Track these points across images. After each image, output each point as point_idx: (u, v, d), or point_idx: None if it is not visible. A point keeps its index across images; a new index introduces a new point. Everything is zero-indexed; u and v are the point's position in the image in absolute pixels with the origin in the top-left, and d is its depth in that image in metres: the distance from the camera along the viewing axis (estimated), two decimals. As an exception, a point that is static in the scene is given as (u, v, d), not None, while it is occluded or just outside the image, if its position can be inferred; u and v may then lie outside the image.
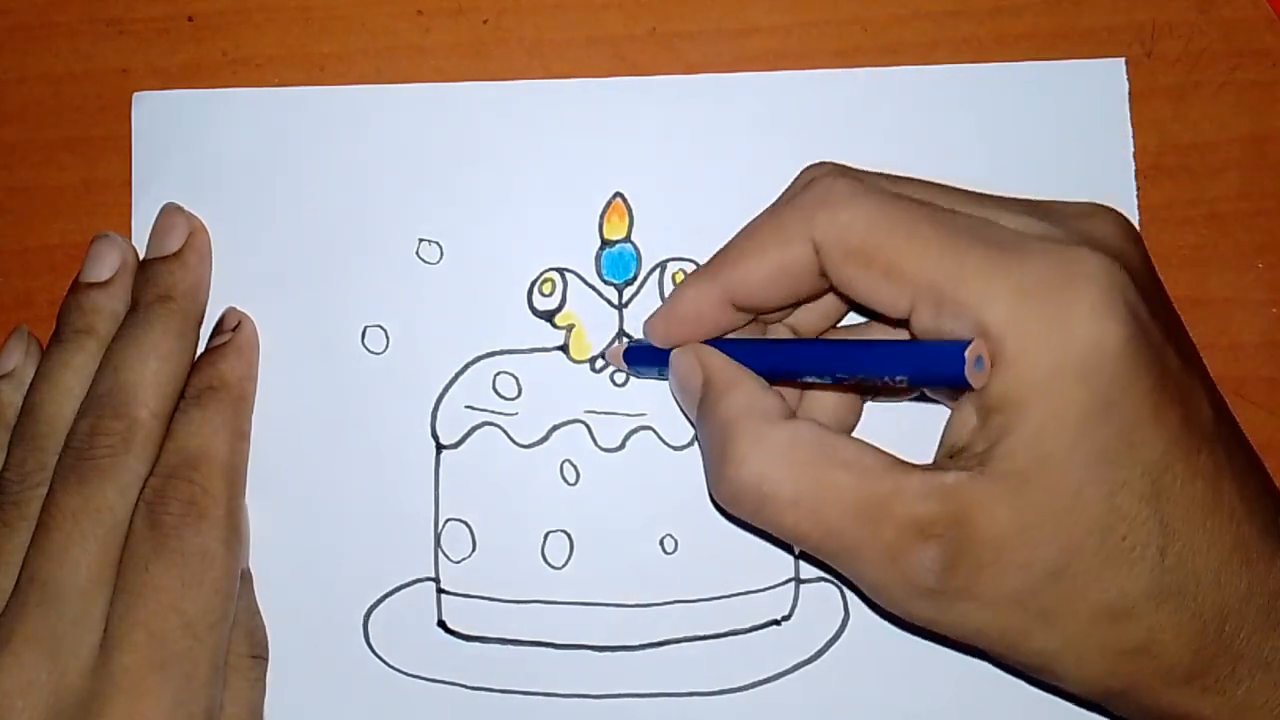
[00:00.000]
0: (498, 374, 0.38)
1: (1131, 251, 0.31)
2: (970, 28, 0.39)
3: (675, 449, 0.38)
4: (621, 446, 0.38)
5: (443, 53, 0.39)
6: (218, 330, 0.38)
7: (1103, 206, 0.32)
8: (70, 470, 0.34)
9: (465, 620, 0.38)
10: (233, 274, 0.38)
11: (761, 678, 0.37)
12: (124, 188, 0.39)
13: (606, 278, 0.38)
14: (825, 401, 0.35)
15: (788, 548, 0.37)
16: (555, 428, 0.38)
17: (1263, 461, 0.31)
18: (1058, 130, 0.38)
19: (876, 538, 0.29)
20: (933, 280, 0.29)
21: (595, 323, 0.38)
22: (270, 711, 0.37)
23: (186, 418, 0.35)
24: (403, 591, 0.38)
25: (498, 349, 0.38)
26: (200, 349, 0.37)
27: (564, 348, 0.38)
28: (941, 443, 0.31)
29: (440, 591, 0.38)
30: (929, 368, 0.29)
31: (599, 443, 0.38)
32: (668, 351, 0.35)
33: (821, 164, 0.34)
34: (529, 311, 0.38)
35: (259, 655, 0.37)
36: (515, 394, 0.38)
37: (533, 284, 0.38)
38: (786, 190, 0.34)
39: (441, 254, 0.38)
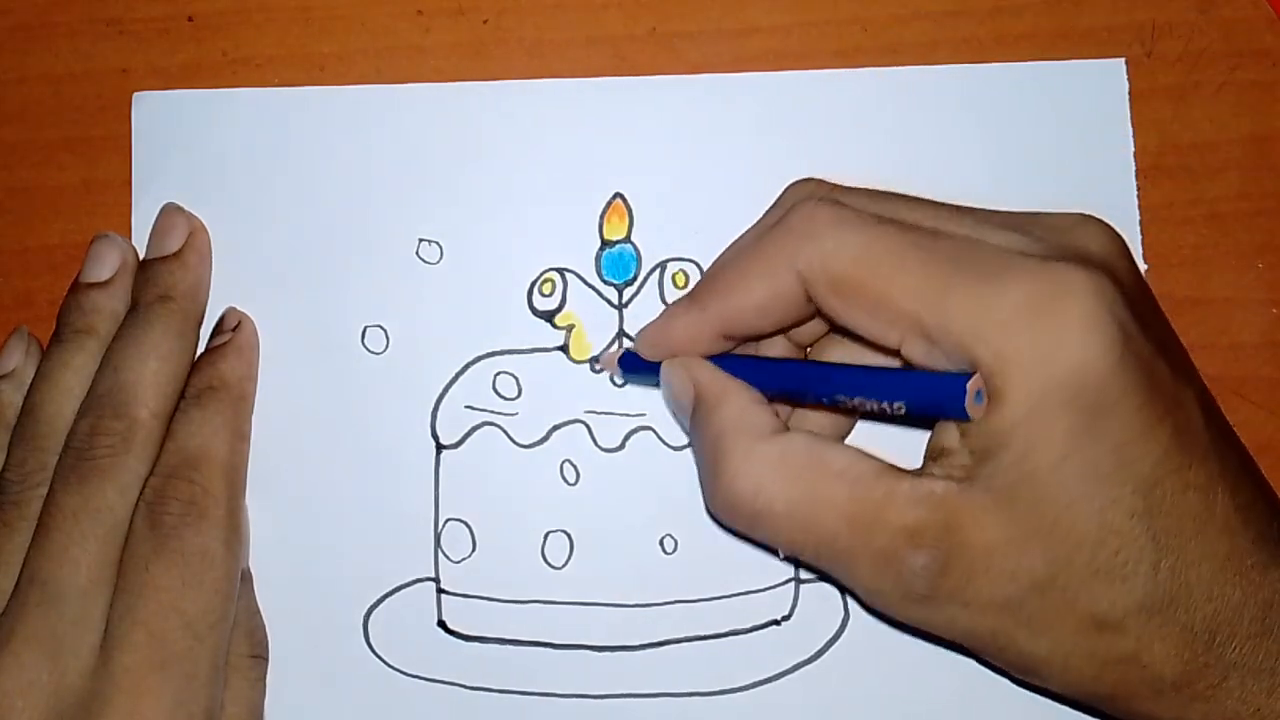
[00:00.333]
0: (498, 374, 0.38)
1: (1119, 263, 0.30)
2: (970, 28, 0.39)
3: (675, 449, 0.38)
4: (621, 446, 0.38)
5: (443, 53, 0.39)
6: (218, 330, 0.38)
7: (1090, 218, 0.31)
8: (70, 470, 0.34)
9: (465, 620, 0.38)
10: (233, 274, 0.38)
11: (761, 678, 0.37)
12: (124, 188, 0.39)
13: (606, 278, 0.38)
14: (820, 413, 0.35)
15: (778, 559, 0.37)
16: (555, 428, 0.38)
17: (1259, 467, 0.31)
18: (1058, 130, 0.38)
19: (869, 545, 0.30)
20: (920, 317, 0.29)
21: (595, 323, 0.38)
22: (270, 711, 0.37)
23: (186, 418, 0.35)
24: (403, 591, 0.38)
25: (498, 349, 0.38)
26: (200, 349, 0.37)
27: (564, 348, 0.38)
28: (928, 444, 0.31)
29: (440, 591, 0.38)
30: (929, 399, 0.29)
31: (599, 443, 0.38)
32: (657, 367, 0.35)
33: (805, 183, 0.34)
34: (529, 311, 0.38)
35: (259, 655, 0.37)
36: (515, 394, 0.38)
37: (533, 284, 0.38)
38: (771, 209, 0.34)
39: (441, 254, 0.38)
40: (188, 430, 0.35)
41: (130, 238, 0.38)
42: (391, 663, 0.37)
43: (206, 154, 0.39)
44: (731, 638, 0.37)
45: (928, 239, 0.30)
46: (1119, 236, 0.31)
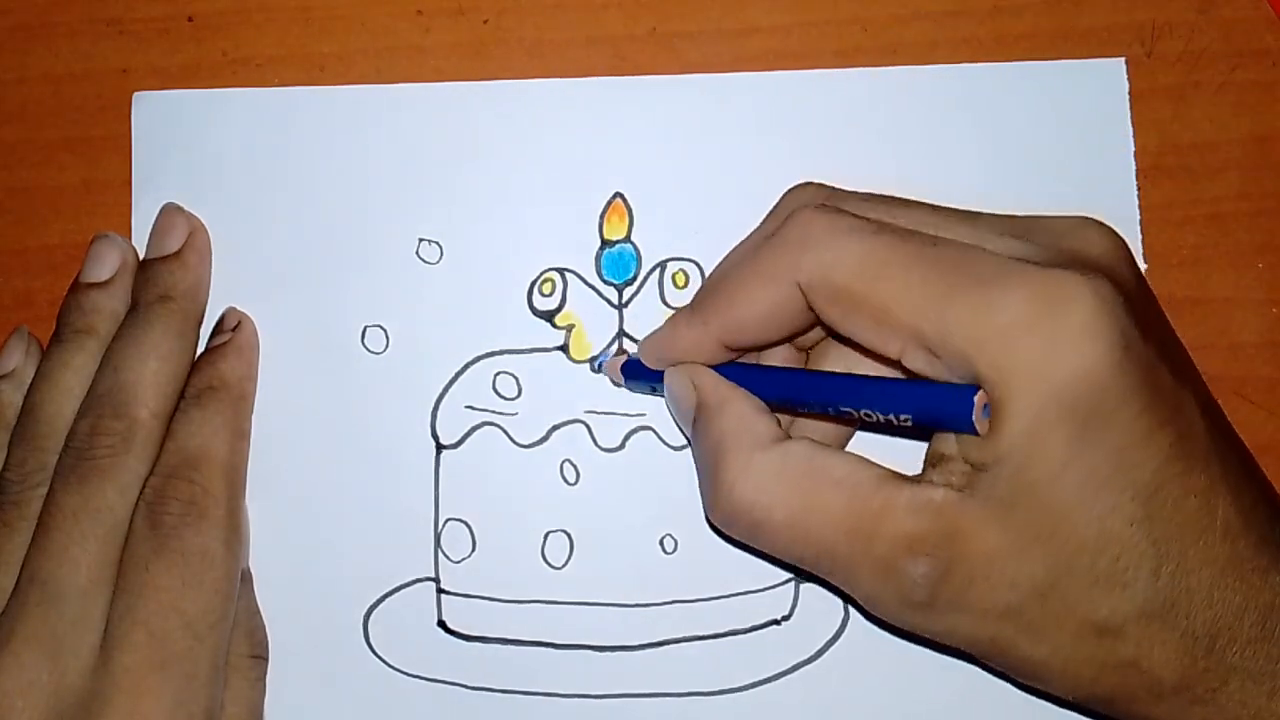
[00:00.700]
0: (498, 374, 0.38)
1: (1120, 267, 0.30)
2: (970, 28, 0.39)
3: (675, 449, 0.38)
4: (621, 446, 0.38)
5: (443, 53, 0.39)
6: (218, 330, 0.38)
7: (1091, 220, 0.31)
8: (70, 470, 0.34)
9: (465, 620, 0.38)
10: (233, 274, 0.38)
11: (761, 678, 0.37)
12: (124, 188, 0.39)
13: (606, 278, 0.38)
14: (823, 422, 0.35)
15: (779, 567, 0.37)
16: (555, 428, 0.38)
17: (1261, 469, 0.31)
18: (1058, 130, 0.38)
19: (868, 553, 0.30)
20: (921, 329, 0.29)
21: (595, 323, 0.38)
22: (270, 711, 0.37)
23: (186, 418, 0.35)
24: (403, 591, 0.38)
25: (498, 349, 0.38)
26: (200, 349, 0.37)
27: (564, 348, 0.38)
28: (928, 451, 0.31)
29: (440, 591, 0.38)
30: (936, 412, 0.29)
31: (599, 443, 0.38)
32: (660, 374, 0.35)
33: (803, 188, 0.34)
34: (529, 311, 0.38)
35: (259, 655, 0.37)
36: (515, 394, 0.38)
37: (533, 284, 0.38)
38: (769, 216, 0.34)
39: (441, 254, 0.38)
40: (188, 430, 0.35)
41: (130, 238, 0.38)
42: (391, 663, 0.37)
43: (206, 154, 0.39)
44: (731, 638, 0.37)
45: (927, 247, 0.30)
46: (1120, 239, 0.31)
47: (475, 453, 0.38)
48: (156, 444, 0.35)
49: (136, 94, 0.39)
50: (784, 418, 0.35)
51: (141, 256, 0.38)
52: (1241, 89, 0.39)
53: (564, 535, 0.38)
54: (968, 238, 0.31)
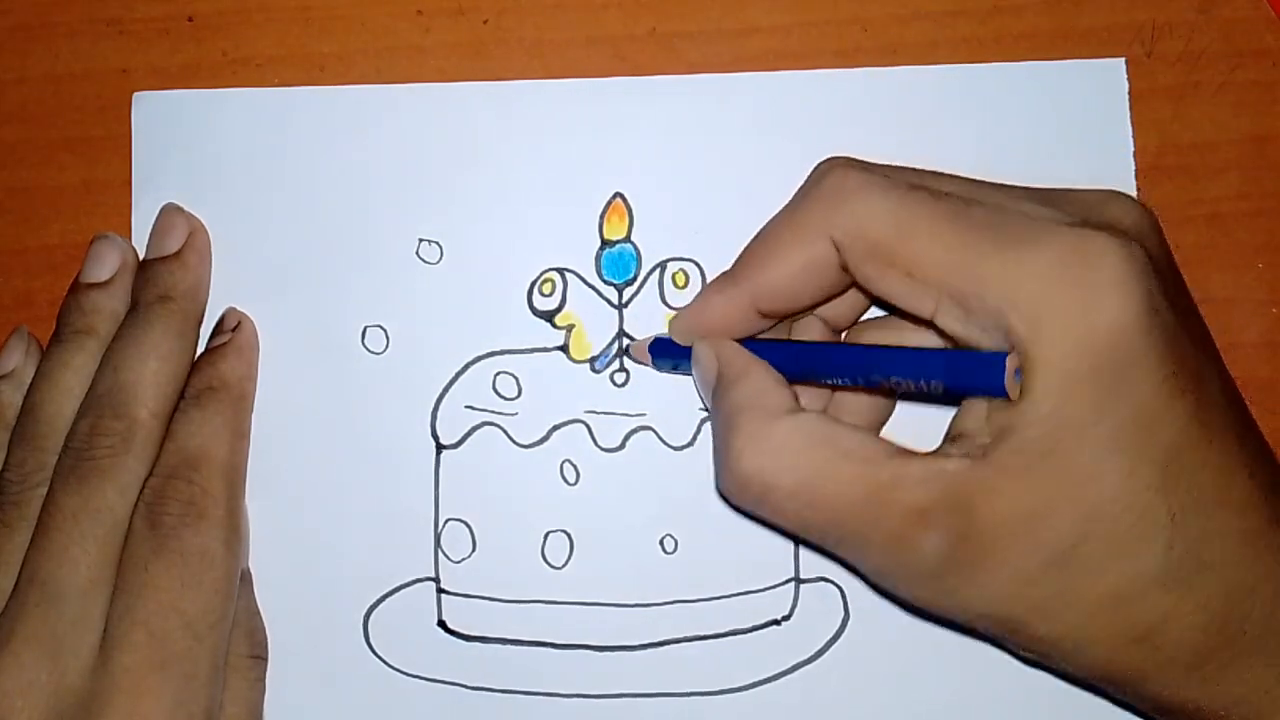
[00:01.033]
0: (498, 374, 0.38)
1: (1150, 236, 0.30)
2: (970, 28, 0.39)
3: (675, 449, 0.38)
4: (621, 446, 0.38)
5: (443, 53, 0.39)
6: (218, 330, 0.38)
7: (1121, 194, 0.32)
8: (70, 470, 0.34)
9: (465, 620, 0.38)
10: (233, 274, 0.38)
11: (761, 678, 0.37)
12: (124, 188, 0.39)
13: (606, 278, 0.38)
14: (859, 397, 0.35)
15: (789, 541, 0.37)
16: (555, 428, 0.38)
17: (1275, 452, 0.31)
18: (1058, 130, 0.38)
19: (878, 526, 0.29)
20: (954, 284, 0.29)
21: (595, 323, 0.38)
22: (270, 711, 0.37)
23: (186, 418, 0.35)
24: (403, 591, 0.38)
25: (498, 349, 0.38)
26: (200, 349, 0.37)
27: (564, 348, 0.38)
28: (949, 427, 0.31)
29: (440, 591, 0.38)
30: (968, 378, 0.29)
31: (599, 443, 0.38)
32: (687, 351, 0.35)
33: (833, 159, 0.34)
34: (529, 311, 0.38)
35: (259, 655, 0.37)
36: (515, 394, 0.38)
37: (533, 284, 0.38)
38: (800, 188, 0.34)
39: (441, 254, 0.38)
40: (187, 430, 0.35)
41: (130, 238, 0.38)
42: (391, 663, 0.37)
43: (206, 154, 0.39)
44: (731, 638, 0.37)
45: (960, 205, 0.30)
46: (1149, 212, 0.31)
47: (475, 453, 0.38)
48: (156, 444, 0.35)
49: (136, 94, 0.39)
50: (820, 399, 0.35)
51: (141, 256, 0.38)
52: (1241, 89, 0.39)
53: (564, 535, 0.38)
54: (1000, 202, 0.31)
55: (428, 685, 0.37)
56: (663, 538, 0.38)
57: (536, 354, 0.38)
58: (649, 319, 0.38)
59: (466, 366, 0.38)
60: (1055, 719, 0.37)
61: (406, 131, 0.39)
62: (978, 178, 0.33)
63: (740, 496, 0.31)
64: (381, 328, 0.38)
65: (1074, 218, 0.30)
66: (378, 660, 0.37)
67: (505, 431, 0.38)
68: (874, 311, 0.36)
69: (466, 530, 0.38)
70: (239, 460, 0.36)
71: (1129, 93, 0.38)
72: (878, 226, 0.30)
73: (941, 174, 0.33)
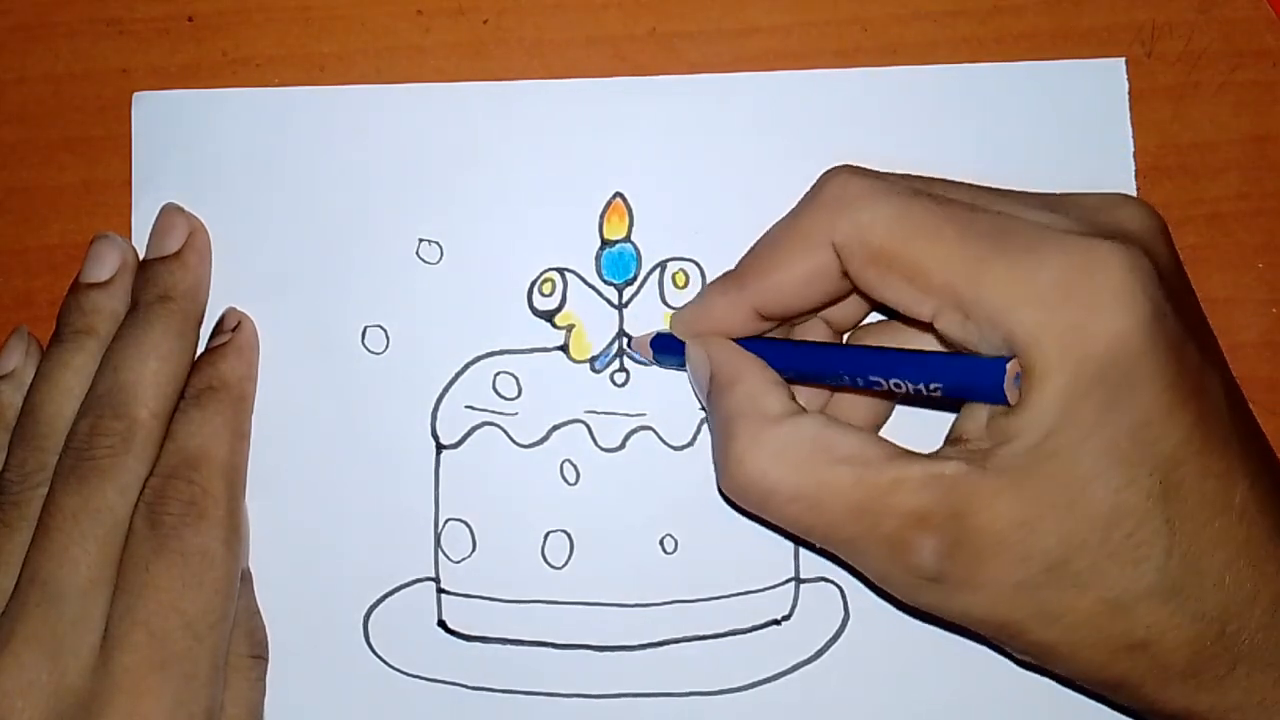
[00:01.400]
0: (498, 374, 0.38)
1: (1156, 242, 0.30)
2: (970, 28, 0.39)
3: (675, 449, 0.38)
4: (621, 446, 0.38)
5: (443, 53, 0.39)
6: (218, 330, 0.38)
7: (1128, 197, 0.32)
8: (70, 470, 0.34)
9: (465, 620, 0.38)
10: (233, 274, 0.38)
11: (761, 678, 0.37)
12: (124, 188, 0.39)
13: (606, 278, 0.38)
14: (858, 397, 0.35)
15: (790, 541, 0.37)
16: (555, 428, 0.38)
17: (1278, 459, 0.31)
18: (1058, 130, 0.38)
19: (877, 530, 0.30)
20: (956, 290, 0.29)
21: (595, 323, 0.38)
22: (270, 711, 0.37)
23: (186, 418, 0.35)
24: (403, 591, 0.38)
25: (498, 349, 0.38)
26: (200, 349, 0.37)
27: (564, 348, 0.38)
28: (950, 429, 0.31)
29: (440, 591, 0.38)
30: (968, 383, 0.29)
31: (599, 443, 0.38)
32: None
33: (838, 167, 0.34)
34: (529, 311, 0.38)
35: (259, 655, 0.37)
36: (515, 394, 0.38)
37: (533, 284, 0.38)
38: (804, 196, 0.34)
39: (441, 254, 0.38)
40: (187, 430, 0.35)
41: (130, 238, 0.38)
42: (391, 663, 0.37)
43: (206, 154, 0.39)
44: (731, 638, 0.37)
45: (964, 212, 0.30)
46: (1156, 215, 0.31)
47: (475, 453, 0.38)
48: (156, 444, 0.35)
49: (136, 94, 0.39)
50: (817, 399, 0.35)
51: (141, 256, 0.38)
52: (1241, 89, 0.39)
53: (564, 535, 0.38)
54: (1004, 209, 0.31)
55: (428, 685, 0.37)
56: (663, 538, 0.38)
57: (536, 354, 0.38)
58: (649, 319, 0.38)
59: (466, 366, 0.38)
60: (1054, 719, 0.37)
61: (406, 131, 0.39)
62: (979, 181, 0.33)
63: (742, 500, 0.32)
64: (381, 328, 0.38)
65: (1080, 225, 0.30)
66: (378, 660, 0.37)
67: (505, 431, 0.38)
68: (877, 315, 0.36)
69: (466, 530, 0.38)
70: (239, 460, 0.36)
71: (1129, 93, 0.38)
72: (879, 232, 0.30)
73: (947, 181, 0.33)
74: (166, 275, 0.37)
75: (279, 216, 0.39)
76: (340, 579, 0.38)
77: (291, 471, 0.38)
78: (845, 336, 0.36)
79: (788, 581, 0.37)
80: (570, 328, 0.38)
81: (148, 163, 0.39)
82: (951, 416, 0.32)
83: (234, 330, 0.37)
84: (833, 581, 0.37)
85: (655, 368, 0.38)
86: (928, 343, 0.34)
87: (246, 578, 0.37)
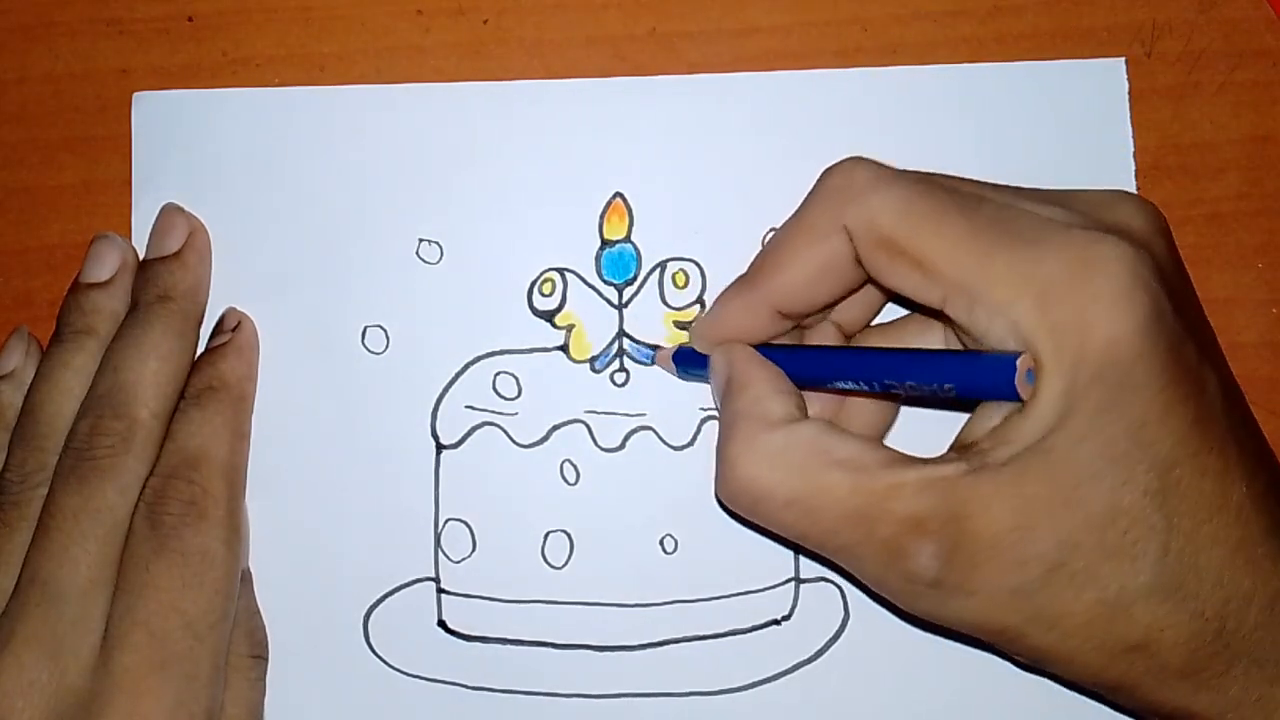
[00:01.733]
0: (498, 374, 0.38)
1: (1157, 240, 0.30)
2: (970, 28, 0.39)
3: (675, 449, 0.38)
4: (621, 446, 0.38)
5: (443, 53, 0.39)
6: (218, 330, 0.38)
7: (1130, 194, 0.32)
8: (70, 470, 0.34)
9: (465, 620, 0.38)
10: (233, 274, 0.38)
11: (761, 678, 0.37)
12: (124, 188, 0.39)
13: (606, 278, 0.38)
14: (867, 403, 0.35)
15: (787, 544, 0.37)
16: (555, 428, 0.38)
17: (1275, 457, 0.31)
18: (1058, 130, 0.38)
19: (873, 536, 0.29)
20: (962, 279, 0.29)
21: (595, 323, 0.38)
22: (270, 711, 0.37)
23: (186, 418, 0.35)
24: (403, 591, 0.38)
25: (498, 349, 0.38)
26: (200, 349, 0.37)
27: (564, 348, 0.38)
28: (956, 438, 0.31)
29: (440, 591, 0.38)
30: (980, 380, 0.29)
31: (599, 443, 0.38)
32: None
33: (841, 160, 0.34)
34: (529, 311, 0.38)
35: (259, 655, 0.37)
36: (515, 394, 0.38)
37: (533, 284, 0.38)
38: (810, 192, 0.34)
39: (441, 254, 0.38)
40: (187, 430, 0.35)
41: (130, 238, 0.38)
42: (391, 663, 0.37)
43: (206, 154, 0.39)
44: (731, 638, 0.37)
45: (969, 200, 0.30)
46: (1158, 213, 0.31)
47: (475, 453, 0.38)
48: (156, 444, 0.35)
49: (136, 94, 0.39)
50: (826, 405, 0.34)
51: (141, 256, 0.38)
52: (1241, 89, 0.39)
53: (564, 535, 0.38)
54: (1008, 201, 0.31)
55: (428, 685, 0.37)
56: (663, 538, 0.38)
57: (536, 354, 0.38)
58: (649, 319, 0.38)
59: (466, 366, 0.38)
60: (1054, 719, 0.37)
61: (406, 131, 0.39)
62: (981, 179, 0.33)
63: (735, 504, 0.32)
64: (381, 328, 0.38)
65: (1082, 219, 0.30)
66: (378, 660, 0.37)
67: (505, 431, 0.38)
68: (884, 315, 0.36)
69: (466, 530, 0.38)
70: (239, 460, 0.36)
71: (1129, 93, 0.38)
72: (888, 217, 0.30)
73: (949, 176, 0.33)
74: (166, 275, 0.37)
75: (279, 216, 0.39)
76: (340, 579, 0.38)
77: (291, 471, 0.38)
78: (853, 338, 0.36)
79: (788, 581, 0.37)
80: (570, 328, 0.38)
81: (148, 163, 0.39)
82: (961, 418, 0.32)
83: (234, 330, 0.37)
84: (833, 581, 0.37)
85: (655, 368, 0.38)
86: (933, 341, 0.34)
87: (246, 578, 0.37)
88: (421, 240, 0.39)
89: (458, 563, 0.38)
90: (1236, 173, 0.39)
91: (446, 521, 0.38)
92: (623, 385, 0.38)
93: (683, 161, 0.38)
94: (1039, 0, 0.39)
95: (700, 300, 0.38)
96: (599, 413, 0.38)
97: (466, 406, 0.38)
